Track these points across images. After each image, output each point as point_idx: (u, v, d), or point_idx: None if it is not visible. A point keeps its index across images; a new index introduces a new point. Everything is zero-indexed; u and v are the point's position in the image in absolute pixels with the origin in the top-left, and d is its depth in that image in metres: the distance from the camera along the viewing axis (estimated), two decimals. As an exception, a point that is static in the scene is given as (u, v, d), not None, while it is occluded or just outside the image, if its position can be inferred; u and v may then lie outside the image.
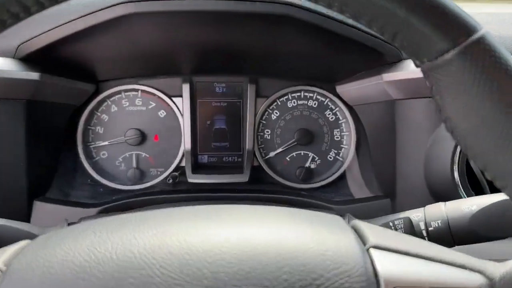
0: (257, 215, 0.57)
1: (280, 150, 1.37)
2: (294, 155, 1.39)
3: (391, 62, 1.08)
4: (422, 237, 0.85)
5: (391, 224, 0.89)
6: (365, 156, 1.33)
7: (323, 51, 1.09)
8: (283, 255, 0.44)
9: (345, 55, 1.10)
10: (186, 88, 1.32)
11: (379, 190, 1.21)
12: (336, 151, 1.39)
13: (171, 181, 1.22)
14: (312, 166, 1.39)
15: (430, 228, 0.84)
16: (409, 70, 1.04)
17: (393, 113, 1.12)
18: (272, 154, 1.38)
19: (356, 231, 0.57)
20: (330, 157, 1.40)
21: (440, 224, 0.84)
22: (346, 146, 1.39)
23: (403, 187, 1.11)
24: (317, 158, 1.39)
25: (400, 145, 1.11)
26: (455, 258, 0.51)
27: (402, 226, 0.88)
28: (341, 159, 1.39)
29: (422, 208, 0.88)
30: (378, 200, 1.15)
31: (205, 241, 0.45)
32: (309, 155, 1.39)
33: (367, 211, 1.12)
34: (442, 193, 1.05)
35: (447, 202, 0.87)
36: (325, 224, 0.58)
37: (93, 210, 1.11)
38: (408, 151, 1.09)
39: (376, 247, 0.48)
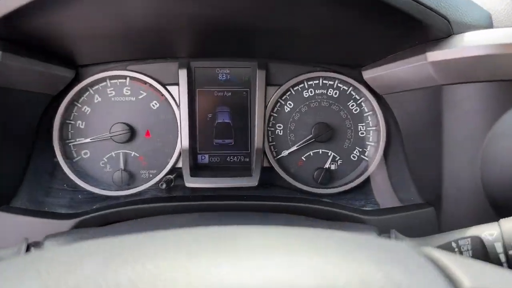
0: (294, 244, 0.39)
1: (294, 148, 1.18)
2: (311, 154, 1.18)
3: (437, 38, 0.86)
4: (499, 263, 0.64)
5: (454, 245, 0.68)
6: (396, 155, 1.12)
7: (355, 24, 0.88)
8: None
9: (382, 29, 0.88)
10: (183, 75, 1.13)
11: (419, 196, 1.00)
12: (360, 149, 1.19)
13: (164, 186, 1.00)
14: (333, 167, 1.19)
15: (511, 252, 0.63)
16: (462, 46, 0.83)
17: (439, 102, 0.91)
18: (285, 153, 1.18)
19: (439, 266, 0.40)
20: (354, 157, 1.19)
21: (525, 247, 0.63)
22: (372, 144, 1.18)
23: (452, 194, 0.91)
24: (338, 157, 1.19)
25: (448, 141, 0.90)
26: None
27: (470, 248, 0.67)
28: (366, 158, 1.18)
29: (496, 223, 0.67)
30: (420, 210, 0.94)
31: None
32: (329, 154, 1.18)
33: (408, 223, 0.91)
34: (505, 201, 0.84)
35: (530, 216, 0.66)
36: (394, 257, 0.41)
37: (68, 223, 0.90)
38: (459, 149, 0.89)
39: (477, 293, 0.32)
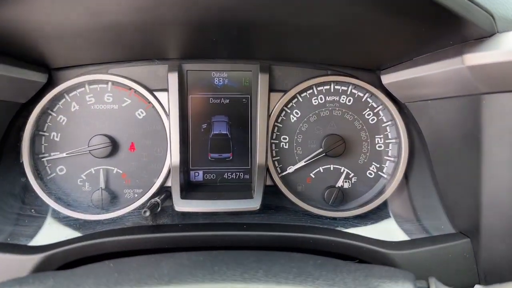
0: None
1: (302, 164, 1.04)
2: (321, 170, 1.04)
3: (478, 37, 0.71)
4: None
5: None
6: (421, 174, 0.98)
7: (381, 21, 0.72)
8: None
9: (412, 26, 0.74)
10: (173, 79, 0.99)
11: (451, 225, 0.85)
12: (378, 165, 1.04)
13: (148, 214, 0.84)
14: (346, 185, 1.04)
15: None
16: (510, 47, 0.68)
17: (478, 114, 0.77)
18: (291, 169, 1.04)
19: None
20: (370, 173, 1.04)
21: None
22: (392, 159, 1.03)
23: (493, 224, 0.77)
24: (352, 174, 1.04)
25: (489, 161, 0.77)
26: None
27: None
28: (385, 176, 1.03)
29: None
30: (454, 242, 0.79)
31: None
32: (342, 170, 1.04)
33: (440, 258, 0.77)
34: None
35: None
36: None
37: (33, 259, 0.76)
38: (503, 171, 0.77)
39: None
